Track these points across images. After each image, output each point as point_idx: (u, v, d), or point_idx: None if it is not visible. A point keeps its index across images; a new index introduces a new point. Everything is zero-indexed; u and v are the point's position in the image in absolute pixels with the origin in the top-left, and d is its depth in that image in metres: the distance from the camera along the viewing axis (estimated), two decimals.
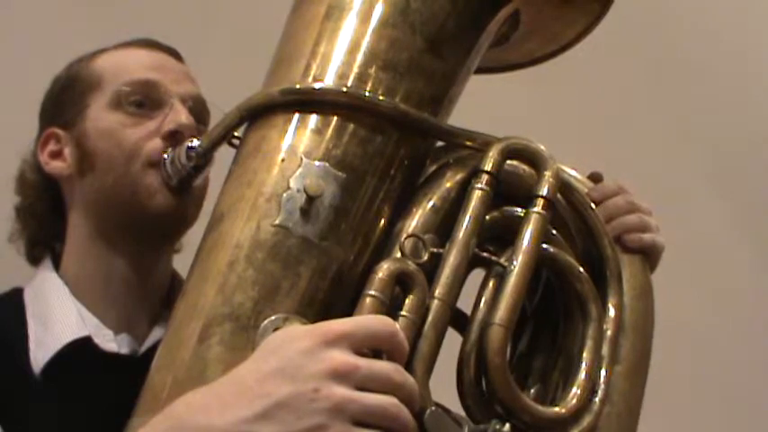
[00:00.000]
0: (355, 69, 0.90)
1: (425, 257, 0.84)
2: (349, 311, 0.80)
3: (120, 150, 1.08)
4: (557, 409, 0.86)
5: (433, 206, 0.89)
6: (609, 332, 0.92)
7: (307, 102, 0.88)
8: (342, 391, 0.70)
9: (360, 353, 0.73)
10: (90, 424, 1.00)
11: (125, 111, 1.10)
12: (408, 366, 0.77)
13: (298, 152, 0.86)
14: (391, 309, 0.80)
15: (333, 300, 0.83)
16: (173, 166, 1.04)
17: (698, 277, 2.12)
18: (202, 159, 1.00)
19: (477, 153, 0.91)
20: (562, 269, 0.92)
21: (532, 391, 0.92)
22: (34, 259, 1.18)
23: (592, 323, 0.91)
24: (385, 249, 0.87)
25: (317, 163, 0.86)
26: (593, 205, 0.98)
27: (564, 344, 0.93)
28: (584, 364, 0.89)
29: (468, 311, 0.88)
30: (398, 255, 0.85)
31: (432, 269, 0.84)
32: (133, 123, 1.09)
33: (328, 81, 0.89)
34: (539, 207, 0.89)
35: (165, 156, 1.05)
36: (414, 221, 0.88)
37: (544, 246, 0.90)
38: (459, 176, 0.91)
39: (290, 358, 0.72)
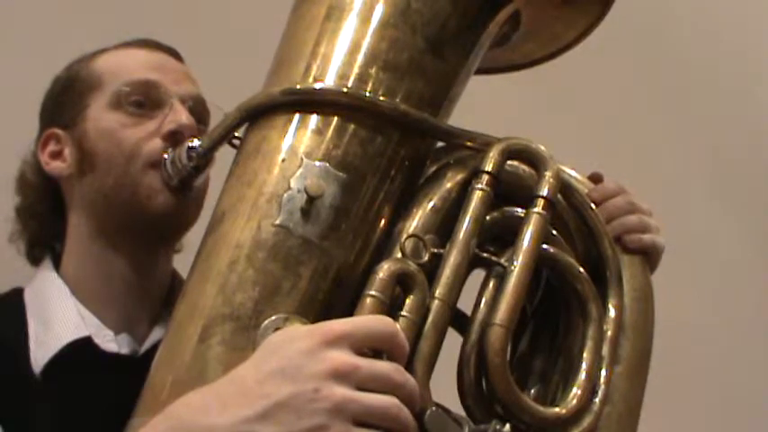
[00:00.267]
0: (356, 70, 0.90)
1: (426, 258, 0.84)
2: (349, 312, 0.80)
3: (120, 150, 1.08)
4: (557, 409, 0.86)
5: (433, 206, 0.89)
6: (609, 332, 0.92)
7: (307, 102, 0.89)
8: (342, 392, 0.70)
9: (360, 353, 0.73)
10: (90, 424, 1.00)
11: (125, 111, 1.10)
12: (409, 366, 0.77)
13: (298, 152, 0.86)
14: (392, 309, 0.80)
15: (333, 300, 0.83)
16: (173, 167, 1.04)
17: (698, 277, 2.13)
18: (203, 159, 1.00)
19: (478, 153, 0.91)
20: (562, 269, 0.92)
21: (533, 391, 0.92)
22: (34, 259, 1.18)
23: (592, 323, 0.91)
24: (385, 250, 0.87)
25: (317, 163, 0.86)
26: (593, 206, 0.98)
27: (564, 344, 0.93)
28: (584, 365, 0.89)
29: (469, 312, 0.88)
30: (399, 255, 0.85)
31: (432, 269, 0.84)
32: (133, 123, 1.09)
33: (329, 81, 0.89)
34: (539, 207, 0.89)
35: (166, 156, 1.05)
36: (414, 222, 0.88)
37: (544, 246, 0.90)
38: (459, 177, 0.91)
39: (291, 358, 0.72)
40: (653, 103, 2.21)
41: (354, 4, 0.93)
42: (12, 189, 1.20)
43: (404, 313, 0.80)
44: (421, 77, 0.92)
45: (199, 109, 1.13)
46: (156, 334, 1.09)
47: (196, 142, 1.00)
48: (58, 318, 1.07)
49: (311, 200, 0.83)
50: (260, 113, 0.90)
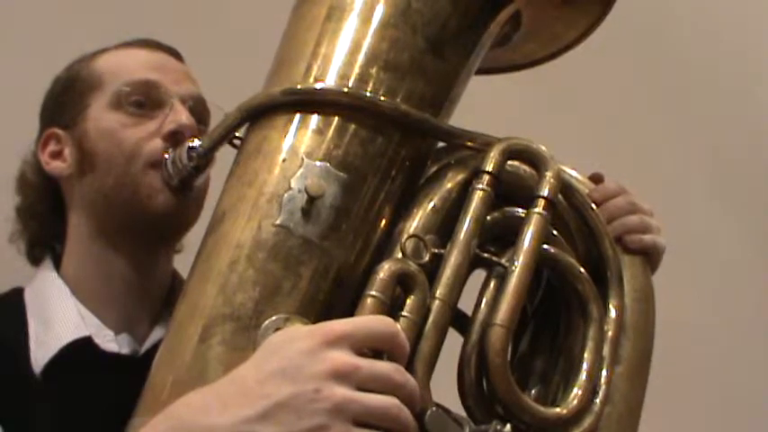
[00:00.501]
0: (356, 70, 0.90)
1: (426, 258, 0.84)
2: (350, 312, 0.80)
3: (120, 150, 1.08)
4: (557, 409, 0.86)
5: (434, 207, 0.89)
6: (610, 333, 0.92)
7: (308, 102, 0.89)
8: (342, 392, 0.70)
9: (361, 353, 0.73)
10: (90, 424, 1.00)
11: (125, 111, 1.10)
12: (409, 367, 0.77)
13: (299, 152, 0.86)
14: (392, 309, 0.80)
15: (334, 300, 0.83)
16: (174, 167, 1.04)
17: (698, 277, 2.13)
18: (203, 159, 1.00)
19: (478, 154, 0.91)
20: (563, 270, 0.92)
21: (533, 391, 0.92)
22: (34, 259, 1.18)
23: (593, 324, 0.91)
24: (386, 250, 0.87)
25: (318, 163, 0.86)
26: (593, 206, 0.98)
27: (565, 344, 0.93)
28: (585, 365, 0.89)
29: (470, 312, 0.87)
30: (399, 255, 0.85)
31: (433, 270, 0.84)
32: (133, 123, 1.09)
33: (329, 81, 0.89)
34: (539, 207, 0.89)
35: (166, 156, 1.05)
36: (415, 222, 0.88)
37: (545, 246, 0.90)
38: (460, 177, 0.91)
39: (291, 358, 0.71)
40: (653, 103, 2.21)
41: (355, 5, 0.92)
42: (12, 189, 1.20)
43: (404, 313, 0.80)
44: (422, 77, 0.92)
45: (199, 109, 1.13)
46: (156, 334, 1.09)
47: (196, 142, 1.00)
48: (59, 318, 1.07)
49: (312, 200, 0.83)
50: (260, 113, 0.90)
